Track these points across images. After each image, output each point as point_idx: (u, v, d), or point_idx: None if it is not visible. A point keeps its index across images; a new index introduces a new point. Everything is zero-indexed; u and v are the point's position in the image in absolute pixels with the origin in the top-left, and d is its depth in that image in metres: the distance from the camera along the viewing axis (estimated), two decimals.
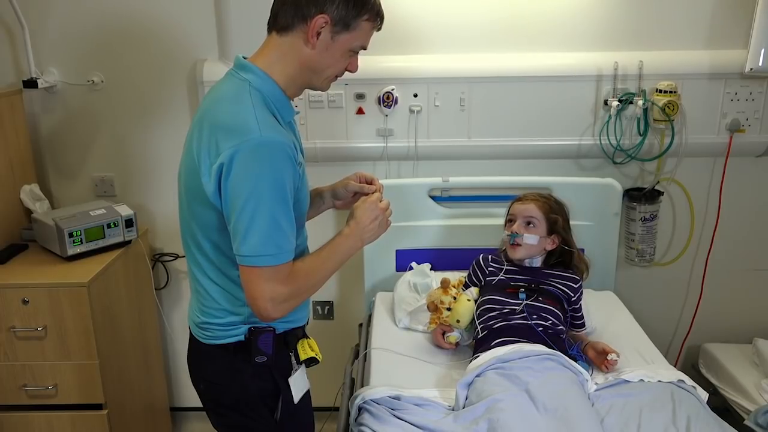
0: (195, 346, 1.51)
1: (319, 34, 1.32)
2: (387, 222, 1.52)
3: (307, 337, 1.55)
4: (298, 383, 1.51)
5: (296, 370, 1.51)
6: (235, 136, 1.25)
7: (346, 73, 1.44)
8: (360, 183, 1.62)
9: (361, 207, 1.49)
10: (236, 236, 1.28)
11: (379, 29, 1.41)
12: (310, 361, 1.53)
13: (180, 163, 1.42)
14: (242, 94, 1.31)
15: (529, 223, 1.97)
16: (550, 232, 1.97)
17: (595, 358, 1.82)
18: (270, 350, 1.43)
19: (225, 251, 1.36)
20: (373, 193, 1.54)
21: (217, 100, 1.34)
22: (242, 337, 1.43)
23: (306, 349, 1.51)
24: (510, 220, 2.02)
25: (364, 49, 1.41)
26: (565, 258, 2.01)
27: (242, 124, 1.26)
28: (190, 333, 1.53)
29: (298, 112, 1.46)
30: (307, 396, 1.56)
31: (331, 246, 1.44)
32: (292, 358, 1.50)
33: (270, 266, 1.28)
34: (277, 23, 1.35)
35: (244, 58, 1.38)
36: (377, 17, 1.37)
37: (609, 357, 1.78)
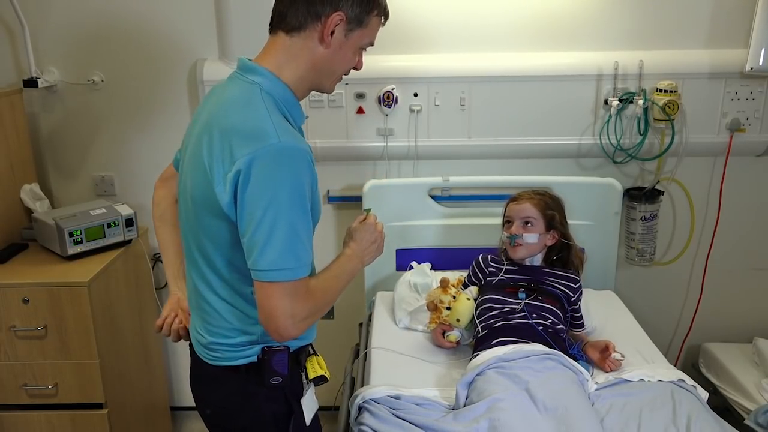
0: (201, 368, 1.41)
1: (333, 32, 1.28)
2: (383, 243, 1.47)
3: (316, 354, 1.47)
4: (309, 404, 1.44)
5: (307, 389, 1.44)
6: (251, 142, 1.17)
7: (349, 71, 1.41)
8: None
9: (360, 229, 1.43)
10: (253, 249, 1.19)
11: (383, 25, 1.39)
12: (319, 380, 1.45)
13: (182, 174, 1.35)
14: (254, 98, 1.24)
15: (527, 222, 1.97)
16: (548, 228, 1.98)
17: (598, 359, 1.82)
18: (285, 370, 1.35)
19: (239, 267, 1.28)
20: (367, 216, 1.48)
21: (225, 104, 1.27)
22: (255, 358, 1.34)
23: (315, 367, 1.44)
24: (507, 221, 2.02)
25: (372, 45, 1.38)
26: (564, 253, 2.02)
27: (258, 130, 1.19)
28: (193, 354, 1.44)
29: (307, 117, 1.41)
30: (316, 417, 1.49)
31: (338, 265, 1.38)
32: (303, 377, 1.42)
33: (289, 281, 1.20)
34: (285, 23, 1.28)
35: (249, 60, 1.32)
36: (384, 12, 1.36)
37: (613, 356, 1.78)
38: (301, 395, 1.42)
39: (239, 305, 1.32)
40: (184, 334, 1.52)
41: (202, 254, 1.32)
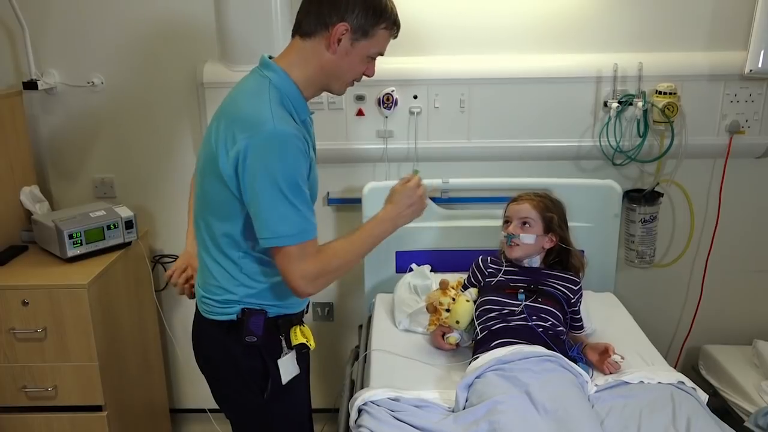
0: (198, 319, 1.62)
1: (339, 40, 1.42)
2: (422, 207, 1.59)
3: (302, 325, 1.61)
4: (288, 366, 1.57)
5: (286, 353, 1.57)
6: (250, 127, 1.35)
7: (363, 77, 1.53)
8: None
9: (400, 191, 1.57)
10: (256, 221, 1.38)
11: (395, 37, 1.51)
12: (302, 347, 1.59)
13: (199, 152, 1.53)
14: (262, 90, 1.41)
15: (525, 223, 1.97)
16: (546, 230, 1.98)
17: (597, 361, 1.82)
18: (260, 331, 1.50)
19: (229, 234, 1.46)
20: (411, 178, 1.59)
21: (239, 93, 1.46)
22: (234, 317, 1.51)
23: (298, 335, 1.57)
24: (506, 221, 2.02)
25: (381, 55, 1.51)
26: (563, 256, 2.02)
27: (258, 117, 1.36)
28: (196, 308, 1.62)
29: (313, 112, 1.54)
30: (298, 382, 1.62)
31: (364, 229, 1.53)
32: (283, 342, 1.56)
33: (293, 245, 1.37)
34: (301, 29, 1.46)
35: (270, 57, 1.48)
36: (394, 26, 1.48)
37: (612, 359, 1.78)
38: (279, 357, 1.55)
39: (227, 266, 1.50)
40: (189, 292, 1.70)
41: (204, 222, 1.51)
